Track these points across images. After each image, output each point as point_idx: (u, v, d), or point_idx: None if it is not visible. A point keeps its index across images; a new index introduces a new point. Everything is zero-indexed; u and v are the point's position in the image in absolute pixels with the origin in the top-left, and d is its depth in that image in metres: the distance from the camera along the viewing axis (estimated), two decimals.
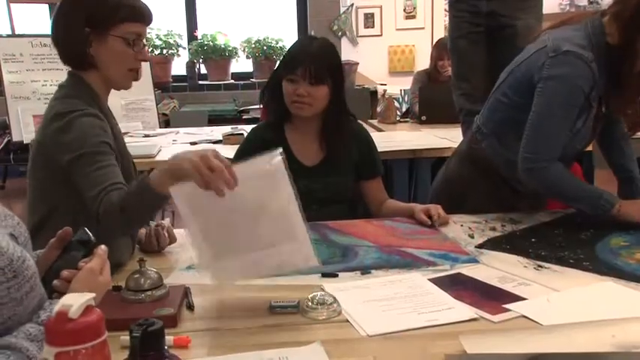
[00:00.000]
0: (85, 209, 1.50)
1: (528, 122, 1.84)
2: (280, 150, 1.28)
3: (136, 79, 1.71)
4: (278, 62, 2.11)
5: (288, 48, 2.15)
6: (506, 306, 1.32)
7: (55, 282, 1.08)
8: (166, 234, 1.76)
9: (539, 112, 1.82)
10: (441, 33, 6.29)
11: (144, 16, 1.66)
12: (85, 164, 1.52)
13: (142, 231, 1.81)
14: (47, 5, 6.39)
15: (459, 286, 1.45)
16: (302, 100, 2.00)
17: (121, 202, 1.45)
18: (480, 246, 1.73)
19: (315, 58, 1.98)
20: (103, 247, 1.14)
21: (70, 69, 1.69)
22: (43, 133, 1.62)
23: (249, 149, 2.14)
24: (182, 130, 4.17)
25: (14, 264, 0.95)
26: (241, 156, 2.12)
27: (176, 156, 1.38)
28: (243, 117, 5.91)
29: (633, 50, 1.74)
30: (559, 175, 1.85)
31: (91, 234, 1.18)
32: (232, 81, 6.56)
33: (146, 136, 3.94)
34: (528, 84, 1.86)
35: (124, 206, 1.44)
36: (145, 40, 1.69)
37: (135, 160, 3.12)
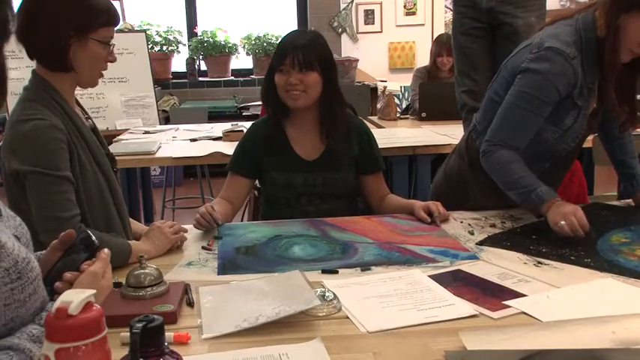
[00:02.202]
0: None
1: (499, 109, 1.88)
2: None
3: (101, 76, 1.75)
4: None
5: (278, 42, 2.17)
6: (506, 302, 1.32)
7: (57, 284, 1.08)
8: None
9: (507, 100, 1.85)
10: (441, 29, 6.28)
11: (117, 20, 1.70)
12: (44, 184, 1.54)
13: (144, 228, 1.81)
14: None
15: (458, 282, 1.45)
16: (295, 89, 2.00)
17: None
18: (480, 243, 1.73)
19: (302, 46, 2.01)
20: (106, 250, 1.14)
21: (34, 68, 1.69)
22: (5, 134, 1.63)
23: (249, 145, 2.15)
24: (182, 126, 4.16)
25: (19, 265, 0.94)
26: (241, 152, 2.15)
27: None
28: (243, 113, 5.92)
29: (616, 37, 1.73)
30: (503, 160, 1.84)
31: (94, 237, 1.17)
32: (232, 77, 6.56)
33: (146, 132, 3.93)
34: (514, 81, 1.86)
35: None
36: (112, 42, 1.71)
37: (135, 157, 3.16)
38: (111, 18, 1.66)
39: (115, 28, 1.70)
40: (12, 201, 1.62)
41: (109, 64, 1.71)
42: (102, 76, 1.72)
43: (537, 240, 1.73)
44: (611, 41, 1.74)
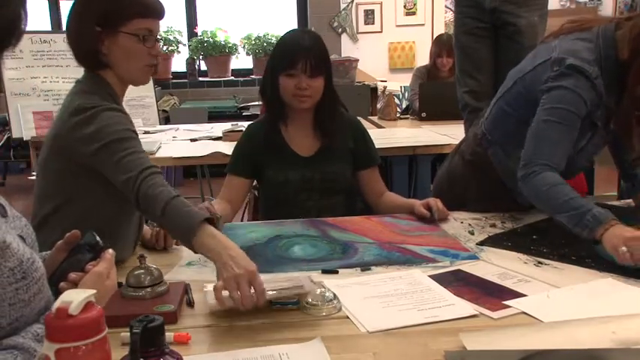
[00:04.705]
0: (97, 204, 1.58)
1: (528, 131, 1.78)
2: None
3: (154, 73, 1.70)
4: (270, 58, 2.12)
5: (277, 43, 2.15)
6: (507, 302, 1.32)
7: (62, 284, 1.08)
8: None
9: (540, 119, 1.76)
10: (441, 29, 6.28)
11: (154, 12, 1.64)
12: (114, 151, 1.52)
13: (147, 229, 1.81)
14: (47, 0, 6.39)
15: (459, 282, 1.45)
16: (303, 94, 2.02)
17: (166, 208, 1.41)
18: (481, 243, 1.72)
19: (312, 51, 2.02)
20: (110, 251, 1.14)
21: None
22: (61, 126, 1.60)
23: (245, 146, 2.16)
24: (182, 126, 4.17)
25: (24, 265, 0.95)
26: (238, 153, 2.16)
27: (234, 256, 1.31)
28: (243, 113, 5.92)
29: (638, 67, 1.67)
30: (549, 182, 1.69)
31: (98, 237, 1.18)
32: (232, 77, 6.57)
33: (146, 132, 3.93)
34: (532, 98, 1.81)
35: (166, 213, 1.41)
36: (158, 35, 1.67)
37: None
38: (144, 9, 1.61)
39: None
40: (52, 183, 1.63)
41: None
42: (151, 72, 1.67)
43: (538, 240, 1.73)
44: (637, 70, 1.67)
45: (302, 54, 1.99)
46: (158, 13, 1.65)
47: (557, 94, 1.73)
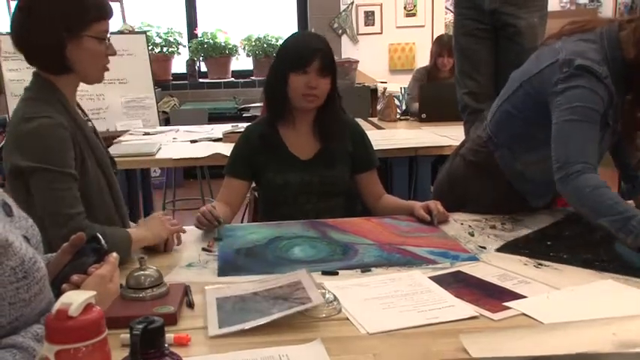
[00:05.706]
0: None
1: (552, 137, 1.73)
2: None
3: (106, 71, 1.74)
4: (278, 58, 2.13)
5: (286, 43, 2.16)
6: (507, 304, 1.32)
7: (64, 286, 1.08)
8: (174, 238, 1.75)
9: (561, 120, 1.71)
10: (441, 30, 6.28)
11: (109, 13, 1.69)
12: (50, 180, 1.55)
13: None
14: None
15: (459, 283, 1.45)
16: (312, 93, 2.03)
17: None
18: (498, 250, 1.69)
19: (324, 51, 2.04)
20: (114, 254, 1.14)
21: (35, 70, 1.68)
22: (10, 131, 1.63)
23: (244, 148, 2.16)
24: (182, 128, 4.16)
25: (25, 265, 0.95)
26: (236, 155, 2.16)
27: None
28: (244, 115, 5.92)
29: None
30: (592, 183, 1.62)
31: (103, 241, 1.18)
32: (232, 79, 6.56)
33: (146, 134, 3.93)
34: (541, 100, 1.80)
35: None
36: (108, 34, 1.70)
37: (135, 159, 3.17)
38: (101, 12, 1.65)
39: (116, 29, 1.70)
40: (14, 199, 1.63)
41: (110, 58, 1.70)
42: (107, 70, 1.71)
43: (554, 246, 1.70)
44: None
45: (315, 53, 2.02)
46: (111, 13, 1.70)
47: (574, 93, 1.71)
